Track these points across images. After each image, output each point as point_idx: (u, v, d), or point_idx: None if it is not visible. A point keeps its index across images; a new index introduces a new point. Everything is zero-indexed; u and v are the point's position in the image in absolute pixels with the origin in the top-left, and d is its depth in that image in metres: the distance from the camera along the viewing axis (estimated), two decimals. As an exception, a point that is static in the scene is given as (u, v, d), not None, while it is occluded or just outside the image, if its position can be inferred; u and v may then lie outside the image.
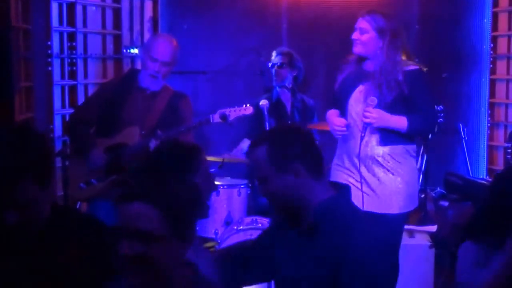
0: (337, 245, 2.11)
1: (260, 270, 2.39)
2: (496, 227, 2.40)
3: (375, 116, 3.47)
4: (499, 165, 5.67)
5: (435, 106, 3.74)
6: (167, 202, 1.90)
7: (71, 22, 5.04)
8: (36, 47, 4.54)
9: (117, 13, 5.45)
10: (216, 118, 3.69)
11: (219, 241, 4.39)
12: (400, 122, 3.54)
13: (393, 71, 3.54)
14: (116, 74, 5.28)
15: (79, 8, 5.10)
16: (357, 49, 3.60)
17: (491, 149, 5.80)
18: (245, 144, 4.94)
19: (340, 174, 3.62)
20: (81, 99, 5.01)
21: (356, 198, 3.44)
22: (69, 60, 5.05)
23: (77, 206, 4.47)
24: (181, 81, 5.38)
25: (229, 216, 4.59)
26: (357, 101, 3.59)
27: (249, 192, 4.66)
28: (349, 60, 3.70)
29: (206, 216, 2.17)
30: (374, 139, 3.58)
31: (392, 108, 3.53)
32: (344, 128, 3.55)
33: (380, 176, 3.57)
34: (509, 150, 4.99)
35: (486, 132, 5.78)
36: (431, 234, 4.51)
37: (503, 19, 5.69)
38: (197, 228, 4.07)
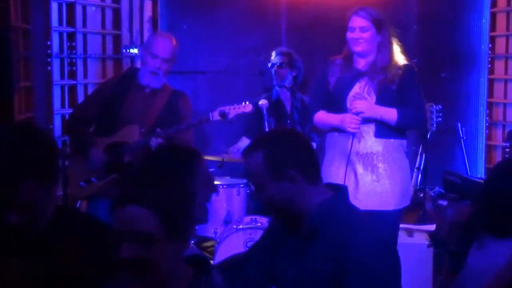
0: (339, 245, 2.09)
1: (260, 278, 2.36)
2: (493, 224, 2.39)
3: (365, 106, 3.49)
4: (497, 165, 5.66)
5: (425, 102, 3.73)
6: (161, 204, 1.87)
7: (71, 22, 5.03)
8: (35, 47, 4.52)
9: (116, 13, 5.43)
10: (215, 116, 3.67)
11: (218, 240, 4.38)
12: (390, 113, 3.54)
13: (389, 64, 3.57)
14: (116, 74, 5.26)
15: (78, 8, 5.08)
16: (360, 47, 3.57)
17: (489, 148, 5.80)
18: (244, 143, 4.93)
19: (335, 173, 3.59)
20: (80, 99, 4.99)
21: (352, 197, 3.44)
22: (68, 60, 5.03)
23: (77, 205, 4.46)
24: (181, 81, 5.37)
25: (229, 215, 4.58)
26: (356, 98, 3.58)
27: (248, 191, 4.65)
28: (336, 62, 3.67)
29: (206, 221, 2.15)
30: (369, 135, 3.57)
31: (384, 101, 3.54)
32: (359, 121, 3.51)
33: (376, 172, 3.56)
34: (507, 150, 4.97)
35: (484, 132, 5.78)
36: (430, 233, 4.50)
37: (501, 19, 5.68)
38: (196, 228, 4.06)
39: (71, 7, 5.02)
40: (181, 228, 1.93)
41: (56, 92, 4.90)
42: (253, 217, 4.41)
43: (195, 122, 3.76)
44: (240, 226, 4.31)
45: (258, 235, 4.26)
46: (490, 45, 5.71)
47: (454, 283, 2.46)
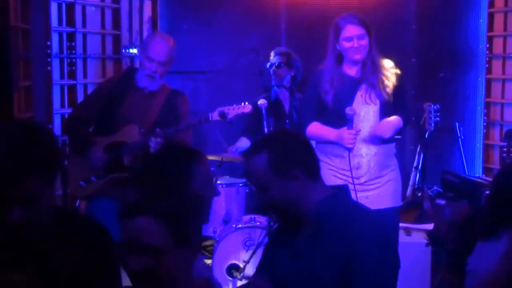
0: (344, 242, 2.09)
1: None
2: (493, 224, 2.38)
3: (386, 129, 3.55)
4: (495, 164, 5.65)
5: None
6: (169, 214, 1.86)
7: (71, 22, 5.01)
8: (35, 47, 4.50)
9: (116, 13, 5.42)
10: (215, 116, 3.66)
11: (217, 239, 4.37)
12: (399, 123, 3.65)
13: (381, 68, 3.61)
14: (115, 74, 5.25)
15: (78, 8, 5.07)
16: (360, 55, 3.58)
17: (487, 148, 5.78)
18: (243, 142, 4.92)
19: (332, 175, 3.58)
20: (80, 99, 4.97)
21: (363, 198, 3.48)
22: (68, 60, 5.02)
23: (77, 204, 4.45)
24: (180, 81, 5.36)
25: (228, 214, 4.58)
26: (358, 106, 3.59)
27: (247, 190, 4.64)
28: (323, 71, 3.65)
29: (206, 222, 2.14)
30: (365, 143, 3.59)
31: (387, 105, 3.59)
32: (356, 137, 3.52)
33: (371, 174, 3.61)
34: (505, 149, 4.96)
35: (482, 131, 5.76)
36: (428, 232, 4.49)
37: (499, 19, 5.66)
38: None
39: (70, 7, 5.00)
40: (188, 235, 1.92)
41: (56, 92, 4.88)
42: (252, 216, 4.41)
43: (195, 122, 3.74)
44: (239, 225, 4.31)
45: (257, 234, 4.26)
46: (488, 45, 5.69)
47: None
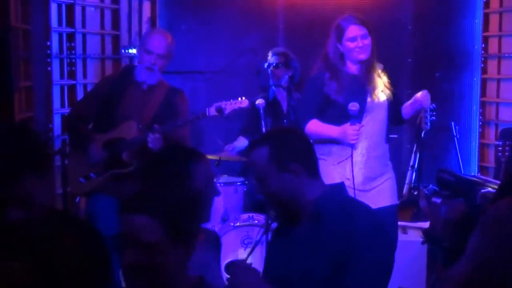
0: (341, 233, 2.12)
1: None
2: None
3: (426, 98, 3.58)
4: (490, 163, 5.66)
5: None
6: (167, 212, 1.86)
7: (70, 22, 5.01)
8: (35, 47, 4.50)
9: (115, 14, 5.41)
10: (212, 111, 3.65)
11: (216, 238, 4.37)
12: None
13: (378, 65, 3.65)
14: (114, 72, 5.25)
15: (78, 9, 5.06)
16: (365, 55, 3.59)
17: (482, 146, 5.79)
18: (240, 142, 4.92)
19: (332, 171, 3.58)
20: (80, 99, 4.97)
21: (363, 198, 3.48)
22: (68, 60, 5.02)
23: (77, 201, 4.45)
24: (179, 81, 5.35)
25: (226, 213, 4.58)
26: (371, 104, 3.61)
27: (245, 189, 4.64)
28: (324, 71, 3.65)
29: (207, 221, 2.15)
30: (367, 142, 3.59)
31: (390, 103, 3.66)
32: (359, 132, 3.51)
33: (371, 173, 3.61)
34: (500, 148, 4.96)
35: (477, 130, 5.77)
36: (424, 230, 4.48)
37: (494, 20, 5.67)
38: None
39: (70, 8, 5.00)
40: (185, 234, 1.92)
41: (56, 92, 4.88)
42: (250, 214, 4.41)
43: (192, 117, 3.74)
44: (237, 224, 4.31)
45: (255, 232, 4.26)
46: (483, 45, 5.70)
47: None
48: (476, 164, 5.76)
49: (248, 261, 4.15)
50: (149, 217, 1.84)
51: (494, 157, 5.52)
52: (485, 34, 5.68)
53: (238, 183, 4.66)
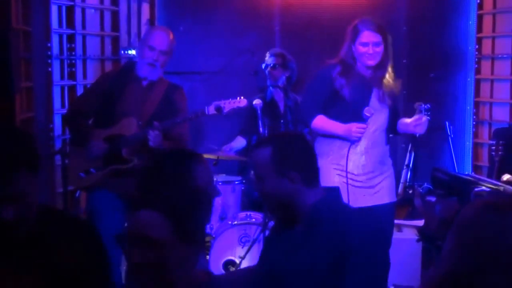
0: (335, 239, 2.13)
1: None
2: None
3: (419, 127, 3.62)
4: (484, 162, 5.67)
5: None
6: (173, 209, 1.86)
7: (71, 24, 5.00)
8: (36, 49, 4.49)
9: (115, 15, 5.41)
10: (211, 110, 3.65)
11: (214, 236, 4.37)
12: None
13: (388, 74, 3.65)
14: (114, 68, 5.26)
15: (78, 11, 5.06)
16: (373, 61, 3.59)
17: (476, 146, 5.80)
18: (238, 142, 4.92)
19: (330, 174, 3.59)
20: (80, 100, 4.97)
21: (361, 195, 3.51)
22: (68, 61, 5.01)
23: (77, 195, 4.46)
24: (178, 81, 5.33)
25: (224, 211, 4.58)
26: (374, 107, 3.60)
27: (243, 188, 4.65)
28: (335, 66, 3.65)
29: (208, 222, 2.17)
30: (368, 141, 3.60)
31: (393, 106, 3.68)
32: (364, 131, 3.52)
33: (370, 171, 3.62)
34: (493, 147, 4.98)
35: (471, 130, 5.78)
36: (418, 228, 4.50)
37: (487, 21, 5.68)
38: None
39: (70, 10, 5.00)
40: (192, 232, 1.92)
41: (56, 92, 4.88)
42: (248, 213, 4.42)
43: (191, 115, 3.74)
44: (235, 222, 4.32)
45: (252, 230, 4.27)
46: (477, 46, 5.71)
47: None
48: (470, 163, 5.77)
49: (246, 259, 4.16)
50: (154, 213, 1.84)
51: (487, 156, 5.54)
52: (479, 35, 5.69)
53: (236, 182, 4.66)
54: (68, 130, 4.17)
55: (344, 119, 3.57)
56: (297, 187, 2.23)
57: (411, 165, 4.92)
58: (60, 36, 4.94)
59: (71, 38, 5.01)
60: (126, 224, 1.93)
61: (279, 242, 2.32)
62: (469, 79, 5.79)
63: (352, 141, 3.53)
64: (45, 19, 4.59)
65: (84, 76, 5.17)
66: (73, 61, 5.03)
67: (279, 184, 2.23)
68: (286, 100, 4.85)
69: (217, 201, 4.51)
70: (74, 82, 5.04)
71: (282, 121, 4.81)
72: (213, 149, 4.72)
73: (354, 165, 3.59)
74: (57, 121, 4.86)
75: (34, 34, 4.45)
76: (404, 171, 4.88)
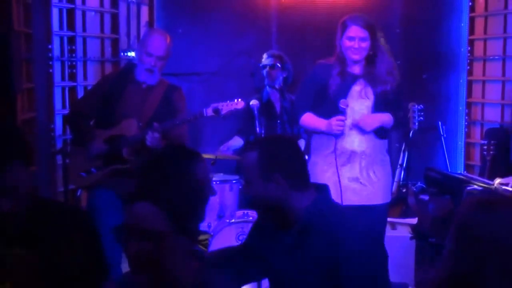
0: (329, 243, 2.12)
1: (253, 269, 2.40)
2: None
3: (368, 123, 3.53)
4: (476, 161, 5.69)
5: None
6: (169, 201, 1.87)
7: (71, 26, 5.01)
8: (37, 50, 4.50)
9: (114, 18, 5.42)
10: (209, 112, 3.66)
11: (212, 234, 4.38)
12: (388, 120, 3.62)
13: (381, 68, 3.60)
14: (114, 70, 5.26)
15: (78, 14, 5.07)
16: (358, 56, 3.57)
17: (468, 146, 5.82)
18: (235, 141, 4.93)
19: (320, 174, 3.59)
20: (80, 100, 4.98)
21: (338, 195, 3.48)
22: (69, 63, 5.02)
23: (78, 194, 4.47)
24: (176, 82, 5.33)
25: (222, 209, 4.59)
26: (353, 100, 3.58)
27: (240, 187, 4.65)
28: (333, 65, 3.65)
29: (202, 219, 2.17)
30: (354, 134, 3.58)
31: (381, 103, 3.58)
32: (344, 123, 3.52)
33: (362, 170, 3.58)
34: (485, 147, 5.00)
35: (463, 130, 5.80)
36: (412, 226, 4.52)
37: (479, 23, 5.70)
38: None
39: (71, 13, 5.01)
40: (187, 225, 1.93)
41: (57, 93, 4.89)
42: (245, 211, 4.42)
43: (190, 117, 3.75)
44: (233, 220, 4.32)
45: (249, 228, 4.25)
46: (469, 48, 5.73)
47: None
48: (462, 163, 5.80)
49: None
50: (150, 205, 1.85)
51: (479, 155, 5.56)
52: (471, 37, 5.71)
53: (234, 181, 4.67)
54: (70, 131, 4.17)
55: (328, 116, 3.57)
56: (283, 191, 2.20)
57: (404, 164, 4.93)
58: (61, 38, 4.95)
59: (71, 40, 5.02)
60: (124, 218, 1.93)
61: (275, 243, 2.30)
62: (461, 80, 5.81)
63: (336, 135, 3.53)
64: (46, 21, 4.60)
65: (85, 77, 5.18)
66: (74, 63, 5.04)
67: (265, 188, 2.20)
68: (282, 101, 4.86)
69: (215, 200, 4.52)
70: (75, 83, 5.05)
71: (278, 121, 4.82)
72: (213, 148, 4.74)
73: (345, 160, 3.57)
74: (58, 121, 4.87)
75: (35, 36, 4.45)
76: (397, 171, 4.89)
